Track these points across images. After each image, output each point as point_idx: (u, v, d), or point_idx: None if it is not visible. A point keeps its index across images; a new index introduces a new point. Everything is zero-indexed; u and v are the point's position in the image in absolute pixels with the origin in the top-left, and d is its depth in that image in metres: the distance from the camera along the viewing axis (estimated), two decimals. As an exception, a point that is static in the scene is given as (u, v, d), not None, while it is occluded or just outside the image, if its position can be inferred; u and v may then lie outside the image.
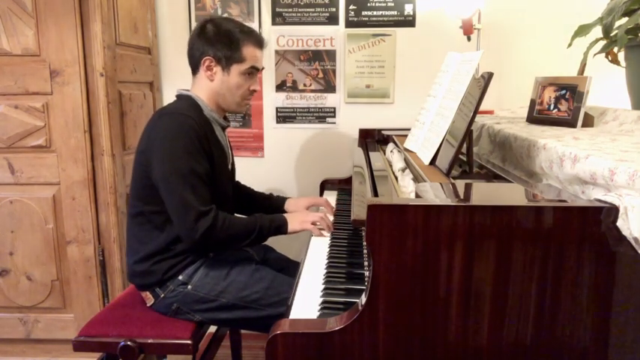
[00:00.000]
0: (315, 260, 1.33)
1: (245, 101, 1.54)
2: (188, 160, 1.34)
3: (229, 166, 1.61)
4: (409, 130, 1.69)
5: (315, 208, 1.76)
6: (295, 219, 1.49)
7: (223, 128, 1.57)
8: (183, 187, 1.32)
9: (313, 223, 1.49)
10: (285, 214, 1.50)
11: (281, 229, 1.46)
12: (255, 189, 1.86)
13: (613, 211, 0.83)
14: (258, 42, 1.50)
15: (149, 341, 1.37)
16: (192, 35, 1.49)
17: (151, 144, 1.38)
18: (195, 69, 1.50)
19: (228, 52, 1.45)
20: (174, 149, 1.34)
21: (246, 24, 1.53)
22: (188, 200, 1.32)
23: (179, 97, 1.52)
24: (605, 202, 0.85)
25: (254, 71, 1.50)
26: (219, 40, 1.44)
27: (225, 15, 2.26)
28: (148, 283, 1.45)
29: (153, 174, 1.37)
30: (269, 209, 1.79)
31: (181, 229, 1.35)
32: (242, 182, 1.83)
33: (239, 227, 1.39)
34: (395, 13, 2.23)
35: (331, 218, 1.64)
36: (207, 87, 1.49)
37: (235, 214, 1.65)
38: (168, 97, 2.35)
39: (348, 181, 2.12)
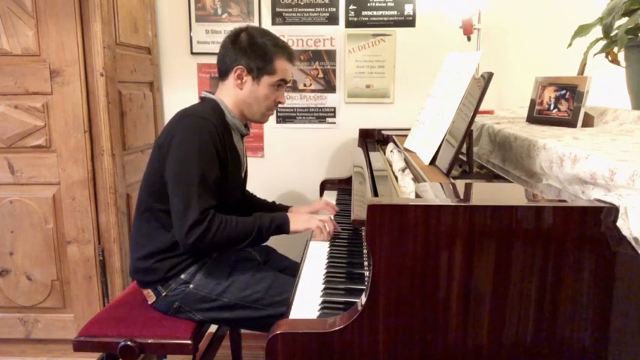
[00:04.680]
0: (316, 260, 1.34)
1: (269, 112, 1.57)
2: (200, 164, 1.34)
3: (242, 174, 1.61)
4: (409, 130, 1.69)
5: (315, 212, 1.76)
6: (299, 219, 1.48)
7: (242, 136, 1.58)
8: (188, 191, 1.33)
9: (317, 226, 1.48)
10: (287, 213, 1.50)
11: (282, 227, 1.45)
12: (256, 189, 1.86)
13: (613, 211, 0.83)
14: (290, 56, 1.52)
15: (149, 341, 1.37)
16: (224, 42, 1.50)
17: (168, 142, 1.38)
18: (224, 75, 1.51)
19: (261, 63, 1.47)
20: (188, 151, 1.35)
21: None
22: (189, 206, 1.32)
23: (203, 99, 1.53)
24: (605, 202, 0.85)
25: (282, 84, 1.53)
26: (253, 52, 1.46)
27: (225, 15, 2.26)
28: (151, 280, 1.45)
29: (165, 172, 1.38)
30: None
31: (176, 232, 1.35)
32: (242, 182, 1.83)
33: (235, 230, 1.37)
34: (395, 13, 2.23)
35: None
36: (235, 94, 1.50)
37: (239, 211, 1.65)
38: (168, 97, 2.35)
39: (348, 181, 2.12)
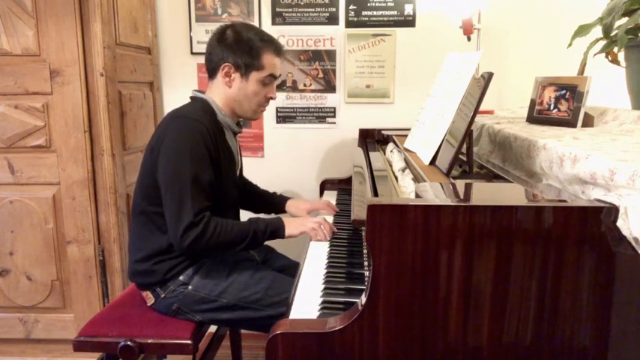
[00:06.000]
0: (315, 260, 1.33)
1: (260, 108, 1.55)
2: (192, 166, 1.34)
3: (237, 172, 1.61)
4: (409, 130, 1.69)
5: (316, 212, 1.76)
6: (293, 223, 1.47)
7: (235, 134, 1.57)
8: (181, 193, 1.33)
9: (312, 228, 1.47)
10: (283, 218, 1.49)
11: (277, 232, 1.45)
12: (256, 188, 1.86)
13: (613, 211, 0.83)
14: (278, 50, 1.50)
15: (149, 341, 1.37)
16: (211, 40, 1.49)
17: (159, 145, 1.38)
18: (212, 74, 1.50)
19: (248, 59, 1.45)
20: (180, 153, 1.35)
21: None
22: (183, 208, 1.32)
23: (193, 99, 1.52)
24: (605, 202, 0.85)
25: (272, 79, 1.51)
26: (239, 48, 1.45)
27: (225, 15, 2.26)
28: (149, 282, 1.45)
29: (157, 174, 1.38)
30: (269, 207, 1.80)
31: (171, 235, 1.36)
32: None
33: (231, 234, 1.37)
34: (395, 13, 2.23)
35: (331, 219, 1.64)
36: (224, 92, 1.49)
37: (236, 214, 1.65)
38: (168, 97, 2.35)
39: (348, 181, 2.12)
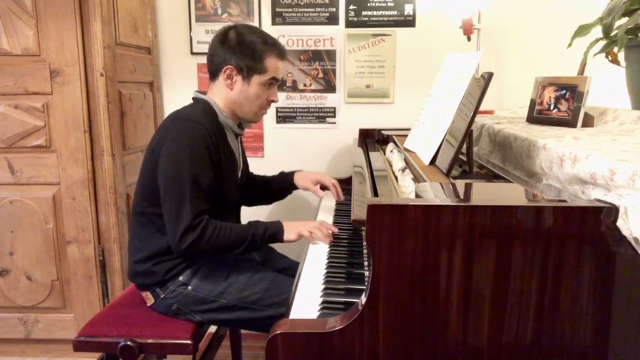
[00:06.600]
0: (315, 260, 1.33)
1: (262, 111, 1.54)
2: (192, 168, 1.34)
3: (239, 174, 1.60)
4: (409, 130, 1.69)
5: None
6: (292, 227, 1.45)
7: (237, 135, 1.57)
8: (180, 195, 1.32)
9: (310, 232, 1.45)
10: (282, 222, 1.47)
11: (276, 236, 1.43)
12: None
13: (613, 211, 0.83)
14: (281, 54, 1.49)
15: (149, 341, 1.37)
16: (213, 41, 1.48)
17: (160, 146, 1.38)
18: (214, 75, 1.49)
19: (250, 62, 1.44)
20: (180, 155, 1.34)
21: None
22: (181, 210, 1.32)
23: (195, 100, 1.52)
24: (605, 202, 0.85)
25: (274, 82, 1.50)
26: (242, 50, 1.44)
27: (225, 15, 2.26)
28: (149, 283, 1.45)
29: (158, 176, 1.38)
30: (274, 192, 1.81)
31: (169, 238, 1.36)
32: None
33: (229, 238, 1.37)
34: (395, 13, 2.23)
35: (330, 220, 1.64)
36: (225, 95, 1.48)
37: (237, 216, 1.65)
38: (168, 97, 2.35)
39: (348, 181, 2.12)
